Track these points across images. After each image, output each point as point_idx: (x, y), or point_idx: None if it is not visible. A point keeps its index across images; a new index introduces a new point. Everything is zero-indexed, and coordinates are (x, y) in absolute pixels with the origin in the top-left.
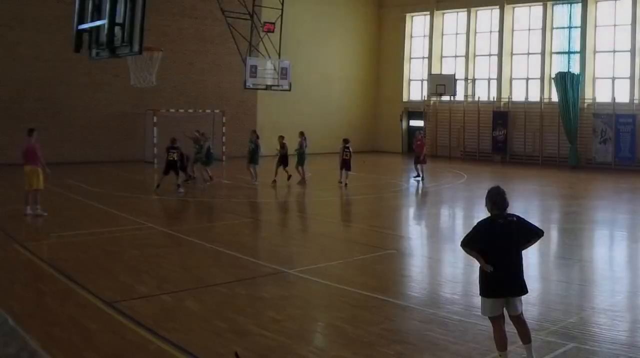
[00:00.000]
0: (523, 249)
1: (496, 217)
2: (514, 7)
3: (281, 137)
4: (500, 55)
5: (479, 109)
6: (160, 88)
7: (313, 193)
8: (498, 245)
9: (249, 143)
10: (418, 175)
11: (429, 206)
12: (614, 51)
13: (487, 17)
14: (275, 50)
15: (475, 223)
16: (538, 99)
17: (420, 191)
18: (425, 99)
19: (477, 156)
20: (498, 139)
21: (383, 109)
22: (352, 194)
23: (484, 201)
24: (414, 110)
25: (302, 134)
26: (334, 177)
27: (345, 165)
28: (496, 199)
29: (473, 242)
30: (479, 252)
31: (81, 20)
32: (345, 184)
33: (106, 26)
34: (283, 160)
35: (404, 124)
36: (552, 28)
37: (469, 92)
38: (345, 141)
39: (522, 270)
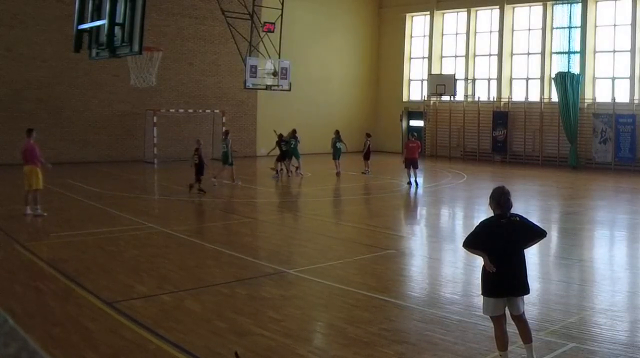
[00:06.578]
0: (525, 249)
1: (499, 217)
2: (514, 7)
3: (293, 131)
4: (500, 55)
5: (479, 109)
6: (160, 88)
7: (312, 193)
8: (501, 245)
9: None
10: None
11: (429, 206)
12: (614, 51)
13: (487, 17)
14: (275, 50)
15: (476, 223)
16: (538, 99)
17: (419, 191)
18: (425, 99)
19: (477, 156)
20: (498, 139)
21: (383, 109)
22: (352, 194)
23: (483, 201)
24: (414, 110)
25: (226, 132)
26: (333, 177)
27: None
28: (500, 199)
29: (475, 242)
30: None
31: (81, 20)
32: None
33: (106, 26)
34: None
35: (404, 124)
36: (552, 28)
37: (469, 92)
38: (198, 142)
39: (525, 270)
